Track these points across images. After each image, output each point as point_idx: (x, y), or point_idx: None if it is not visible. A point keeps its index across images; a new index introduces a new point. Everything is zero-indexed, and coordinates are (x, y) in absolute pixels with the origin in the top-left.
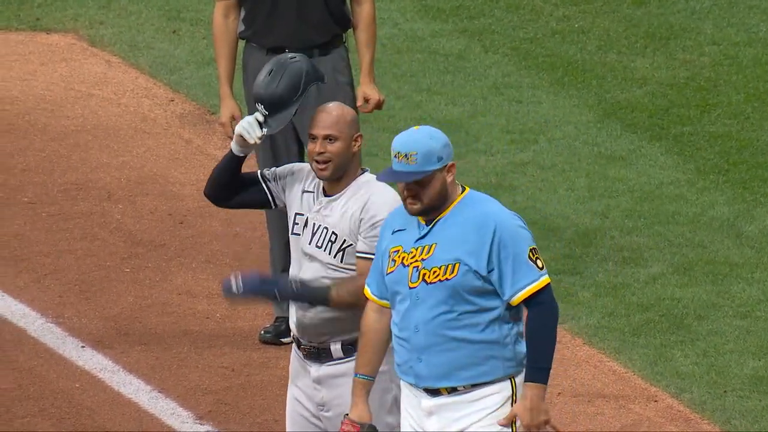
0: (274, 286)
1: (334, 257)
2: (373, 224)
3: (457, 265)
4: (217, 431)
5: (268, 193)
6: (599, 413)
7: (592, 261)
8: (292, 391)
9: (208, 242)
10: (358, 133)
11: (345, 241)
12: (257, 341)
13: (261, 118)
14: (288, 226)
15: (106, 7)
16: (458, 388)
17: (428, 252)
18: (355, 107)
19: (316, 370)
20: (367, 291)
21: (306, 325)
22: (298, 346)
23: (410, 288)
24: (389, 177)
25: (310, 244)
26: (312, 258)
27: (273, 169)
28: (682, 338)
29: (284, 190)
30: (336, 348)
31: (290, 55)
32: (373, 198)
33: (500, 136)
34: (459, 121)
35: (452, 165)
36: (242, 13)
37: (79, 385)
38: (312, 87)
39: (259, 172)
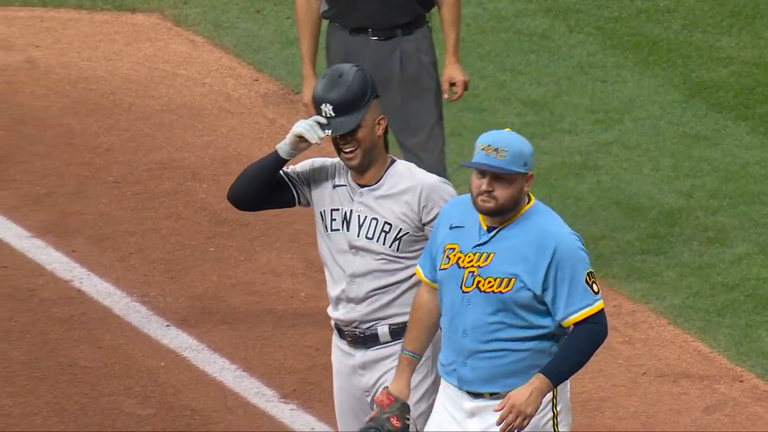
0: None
1: (390, 247)
2: (430, 213)
3: (513, 280)
4: (302, 410)
5: (294, 191)
6: (684, 393)
7: (676, 241)
8: (337, 383)
9: (292, 222)
10: (381, 116)
11: (401, 230)
12: None
13: (323, 121)
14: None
15: None
16: (501, 393)
17: (486, 260)
18: (438, 87)
19: (362, 355)
20: (420, 272)
21: (354, 318)
22: (341, 335)
23: (463, 291)
24: (477, 164)
25: (359, 236)
26: (362, 250)
27: (292, 166)
28: None
29: (309, 187)
30: (384, 332)
31: (354, 64)
32: (423, 186)
33: (585, 116)
34: (543, 100)
35: (532, 176)
36: None
37: (164, 363)
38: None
39: (282, 170)
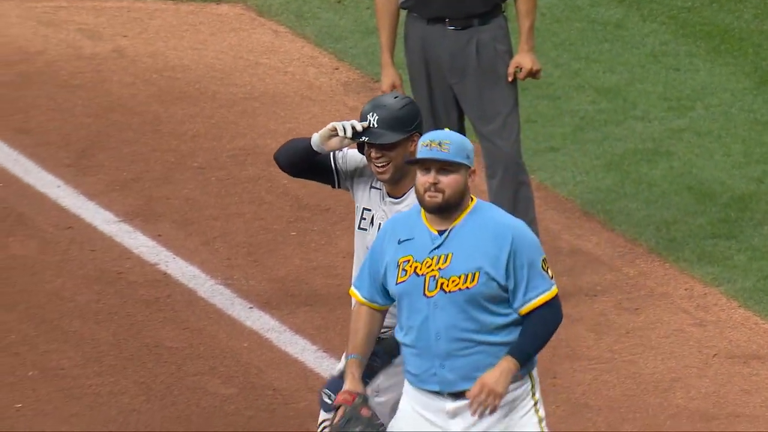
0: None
1: None
2: None
3: (477, 273)
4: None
5: (335, 175)
6: (754, 374)
7: (747, 225)
8: None
9: None
10: (414, 132)
11: None
12: None
13: (359, 127)
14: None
15: None
16: (457, 376)
17: (446, 261)
18: (515, 80)
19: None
20: (357, 293)
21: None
22: None
23: (427, 297)
24: (423, 158)
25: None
26: None
27: (343, 152)
28: None
29: (352, 179)
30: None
31: (411, 99)
32: None
33: (657, 103)
34: (617, 88)
35: (474, 171)
36: None
37: (247, 344)
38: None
39: (332, 153)
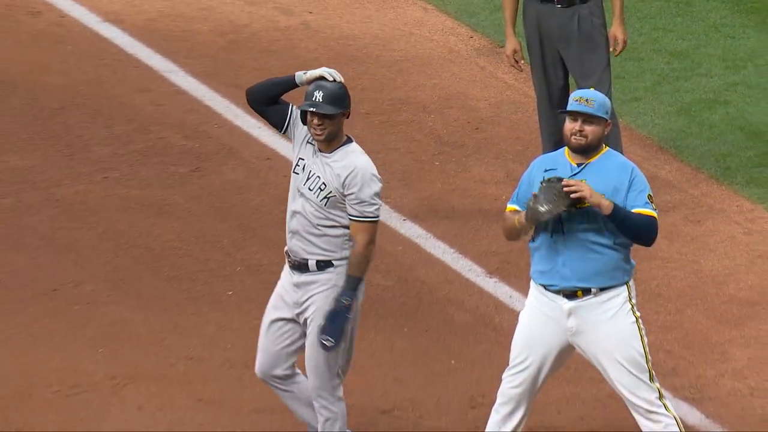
0: (342, 313)
1: (320, 201)
2: (357, 196)
3: (602, 196)
4: (503, 283)
5: (288, 120)
6: None
7: None
8: (277, 289)
9: (497, 143)
10: (347, 110)
11: (330, 192)
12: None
13: (338, 78)
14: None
15: None
16: (592, 290)
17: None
18: (607, 42)
19: (297, 277)
20: (511, 207)
21: (292, 249)
22: (288, 261)
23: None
24: (574, 110)
25: (304, 185)
26: (304, 196)
27: (297, 107)
28: None
29: (296, 128)
30: (312, 264)
31: (343, 84)
32: (355, 168)
33: (717, 63)
34: (686, 52)
35: (610, 124)
36: None
37: (401, 248)
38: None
39: (290, 105)
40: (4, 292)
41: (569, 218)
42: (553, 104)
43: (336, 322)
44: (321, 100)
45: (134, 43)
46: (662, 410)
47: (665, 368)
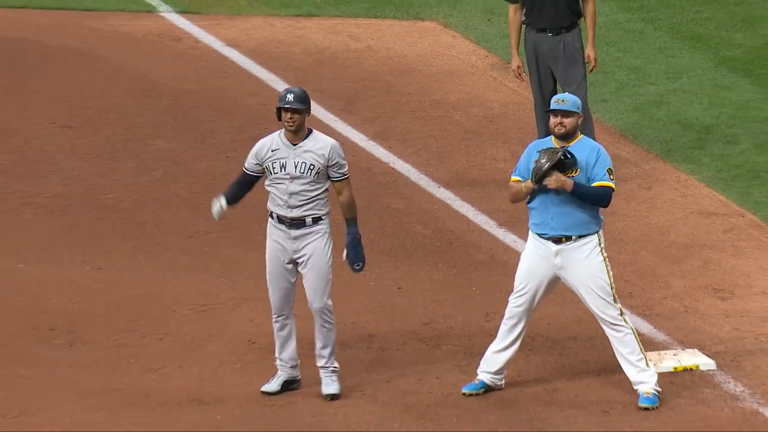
0: (359, 244)
1: (313, 176)
2: (338, 163)
3: (578, 170)
4: (511, 233)
5: (257, 177)
6: (713, 223)
7: (710, 144)
8: (272, 245)
9: (505, 132)
10: (309, 108)
11: (318, 168)
12: None
13: (224, 207)
14: (270, 174)
15: (452, 5)
16: (572, 237)
17: None
18: (584, 60)
19: (295, 232)
20: (517, 178)
21: (292, 215)
22: (282, 222)
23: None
24: (554, 108)
25: (296, 170)
26: (297, 178)
27: (250, 161)
28: None
29: (260, 164)
30: (309, 221)
31: (303, 90)
32: (331, 146)
33: (661, 75)
34: (640, 67)
35: (581, 116)
36: (523, 9)
37: (437, 207)
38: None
39: (246, 171)
40: (155, 238)
41: (556, 191)
42: (545, 105)
43: (358, 251)
44: (292, 100)
45: (246, 61)
46: (622, 323)
47: (624, 293)
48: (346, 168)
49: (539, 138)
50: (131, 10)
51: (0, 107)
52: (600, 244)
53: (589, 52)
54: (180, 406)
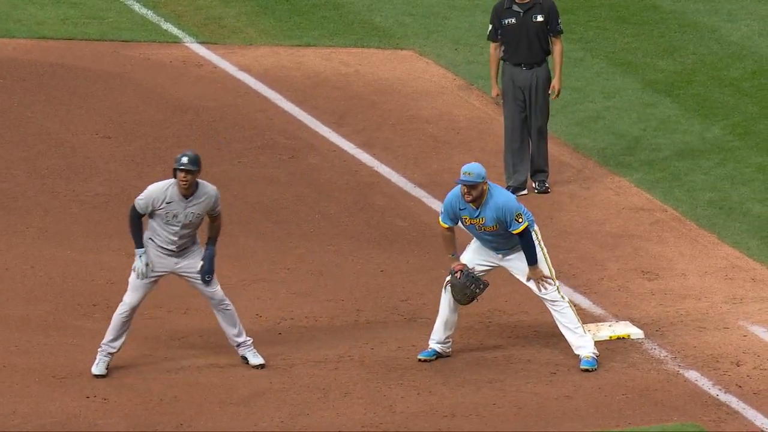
0: (213, 261)
1: (198, 222)
2: (217, 207)
3: (497, 226)
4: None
5: (147, 211)
6: (642, 217)
7: (636, 156)
8: (153, 257)
9: (469, 142)
10: (200, 169)
11: (201, 216)
12: None
13: (143, 269)
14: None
15: (426, 37)
16: (507, 249)
17: (482, 220)
18: (548, 89)
19: (179, 252)
20: (444, 224)
21: (179, 244)
22: (170, 252)
23: (478, 231)
24: (461, 182)
25: (186, 219)
26: (187, 226)
27: (142, 204)
28: None
29: (155, 208)
30: (188, 244)
31: (197, 154)
32: (215, 196)
33: (598, 95)
34: (581, 88)
35: (485, 182)
36: (502, 47)
37: (413, 203)
38: None
39: (139, 212)
40: None
41: (488, 236)
42: (514, 129)
43: (212, 265)
44: (187, 162)
45: (257, 83)
46: (560, 299)
47: (568, 275)
48: (220, 207)
49: (506, 155)
50: (161, 41)
51: (51, 121)
52: (537, 238)
53: (554, 83)
54: (199, 369)
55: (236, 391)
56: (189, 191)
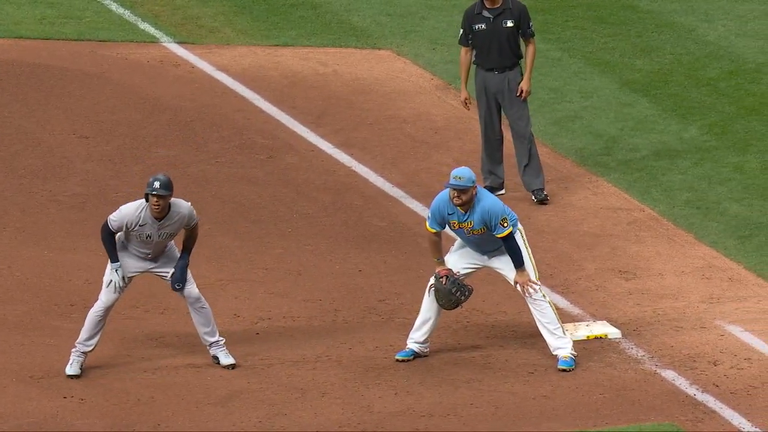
0: (185, 270)
1: (170, 240)
2: (192, 221)
3: (484, 228)
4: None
5: (122, 229)
6: (630, 220)
7: (616, 161)
8: (126, 259)
9: (447, 141)
10: (172, 193)
11: (175, 233)
12: None
13: (119, 282)
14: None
15: (403, 36)
16: (493, 251)
17: (471, 223)
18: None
19: (155, 259)
20: (432, 229)
21: (156, 256)
22: (147, 258)
23: (467, 235)
24: (452, 186)
25: (159, 238)
26: (162, 243)
27: (115, 225)
28: None
29: (128, 228)
30: (165, 250)
31: (169, 178)
32: (188, 213)
33: (576, 95)
34: (558, 88)
35: (475, 186)
36: (474, 52)
37: (391, 203)
38: None
39: (113, 231)
40: None
41: (474, 240)
42: (489, 132)
43: (184, 274)
44: (159, 187)
45: (234, 83)
46: (542, 299)
47: (546, 274)
48: (196, 219)
49: (483, 157)
50: (138, 41)
51: (28, 121)
52: (523, 236)
53: (522, 84)
54: (177, 369)
55: (214, 391)
56: (162, 215)
